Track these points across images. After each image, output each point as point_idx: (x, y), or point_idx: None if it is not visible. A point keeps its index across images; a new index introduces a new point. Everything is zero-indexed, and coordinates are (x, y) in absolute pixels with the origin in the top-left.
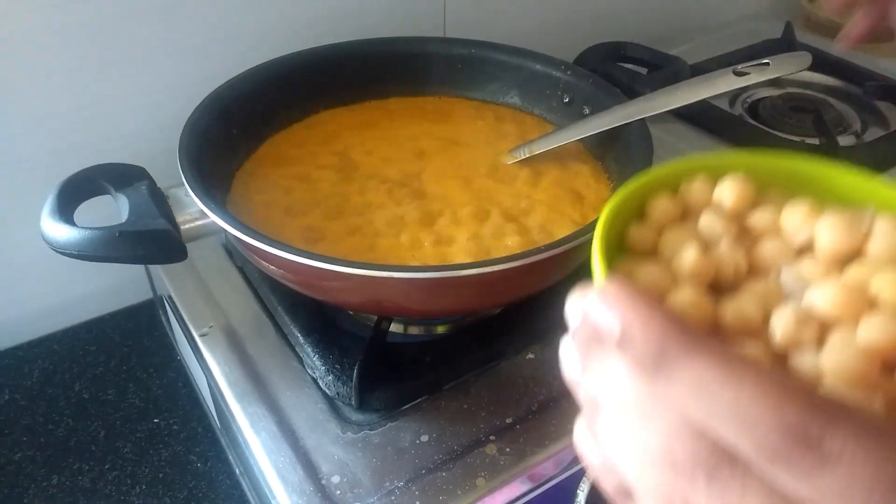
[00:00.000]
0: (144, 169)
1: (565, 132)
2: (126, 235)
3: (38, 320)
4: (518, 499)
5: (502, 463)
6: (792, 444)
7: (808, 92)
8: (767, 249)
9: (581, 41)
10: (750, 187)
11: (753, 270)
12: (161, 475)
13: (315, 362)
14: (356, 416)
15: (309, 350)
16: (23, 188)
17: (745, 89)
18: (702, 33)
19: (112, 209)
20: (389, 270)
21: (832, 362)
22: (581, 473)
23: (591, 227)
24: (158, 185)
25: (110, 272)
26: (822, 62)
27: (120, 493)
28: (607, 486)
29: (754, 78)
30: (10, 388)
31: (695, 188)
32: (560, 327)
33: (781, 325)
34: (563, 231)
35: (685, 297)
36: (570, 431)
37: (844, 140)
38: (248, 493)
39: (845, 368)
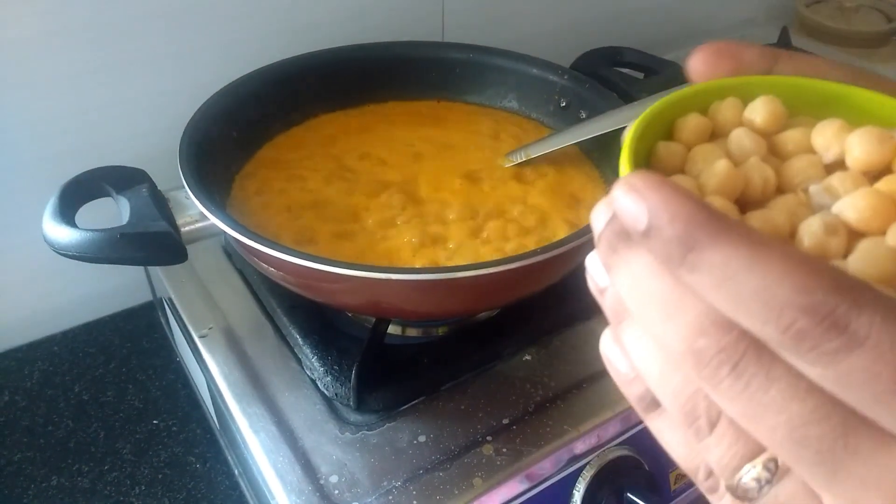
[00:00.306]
0: (145, 172)
1: (562, 136)
2: (127, 237)
3: (37, 322)
4: (514, 498)
5: (499, 463)
6: (819, 326)
7: None
8: (797, 166)
9: (578, 46)
10: (781, 107)
11: (782, 188)
12: (160, 476)
13: (314, 363)
14: (354, 417)
15: (308, 351)
16: (24, 191)
17: None
18: (698, 38)
19: (113, 211)
20: (387, 272)
21: (861, 265)
22: (577, 473)
23: (587, 229)
24: (159, 188)
25: (110, 275)
26: None
27: (119, 494)
28: (632, 397)
29: None
30: (10, 389)
31: (725, 107)
32: (558, 330)
33: (809, 233)
34: (559, 234)
35: (715, 205)
36: (566, 432)
37: None
38: (247, 494)
39: (875, 272)
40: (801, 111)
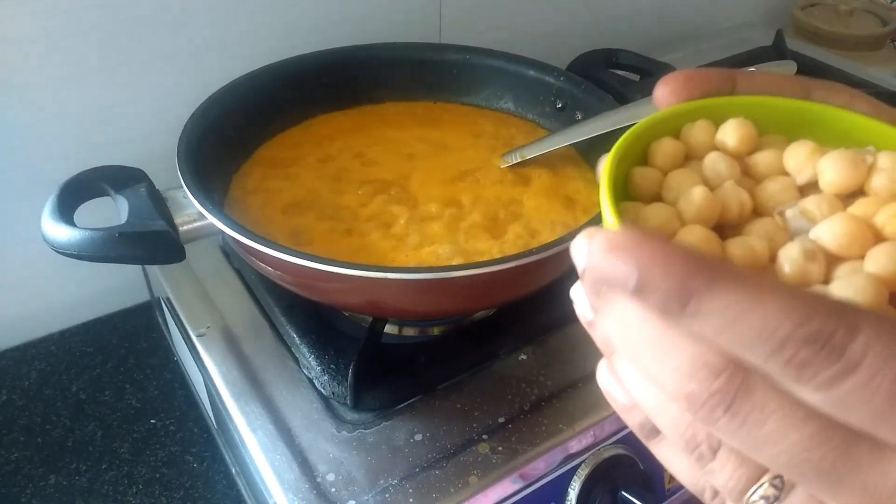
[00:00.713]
0: (143, 171)
1: (557, 137)
2: (125, 236)
3: (35, 321)
4: (510, 497)
5: (494, 461)
6: (820, 353)
7: None
8: (771, 189)
9: (574, 48)
10: (752, 129)
11: (758, 210)
12: (158, 475)
13: (311, 362)
14: (351, 416)
15: (305, 350)
16: (22, 190)
17: None
18: (694, 41)
19: (112, 211)
20: (383, 271)
21: (846, 293)
22: (572, 472)
23: (581, 229)
24: (157, 188)
25: (107, 274)
26: (812, 70)
27: (117, 493)
28: (633, 425)
29: None
30: (8, 388)
31: (697, 130)
32: (553, 330)
33: (789, 260)
34: (554, 234)
35: (695, 235)
36: (561, 431)
37: None
38: (244, 493)
39: (859, 299)
40: (769, 129)
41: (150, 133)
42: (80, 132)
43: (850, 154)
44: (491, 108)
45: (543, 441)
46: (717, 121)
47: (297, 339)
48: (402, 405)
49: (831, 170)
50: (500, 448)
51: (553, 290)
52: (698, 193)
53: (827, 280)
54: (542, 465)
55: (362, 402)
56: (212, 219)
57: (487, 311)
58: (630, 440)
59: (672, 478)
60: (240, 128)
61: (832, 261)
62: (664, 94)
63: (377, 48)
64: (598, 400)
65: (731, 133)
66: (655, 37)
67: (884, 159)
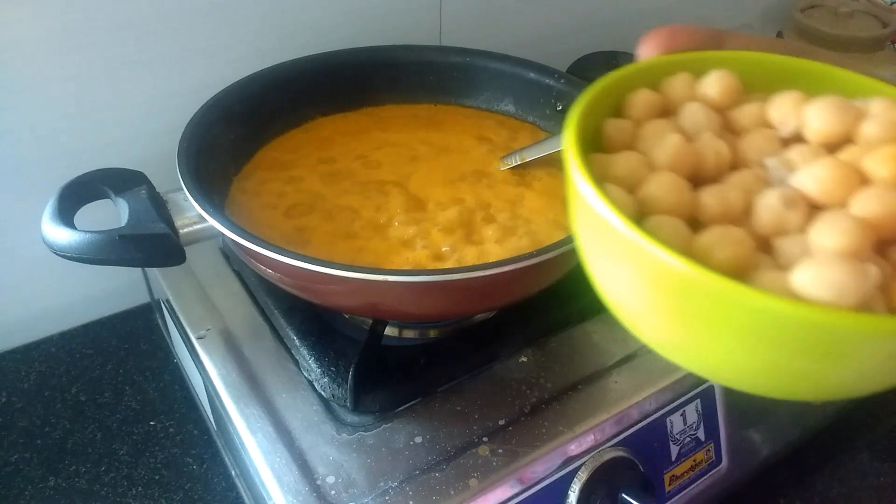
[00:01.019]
0: (144, 174)
1: (557, 139)
2: (126, 239)
3: (35, 323)
4: (510, 499)
5: (495, 464)
6: None
7: None
8: (753, 141)
9: (575, 50)
10: (736, 81)
11: (738, 164)
12: (157, 477)
13: (311, 365)
14: (351, 418)
15: (305, 353)
16: (22, 192)
17: None
18: None
19: (112, 213)
20: (384, 274)
21: (822, 237)
22: (573, 474)
23: None
24: (157, 190)
25: (107, 276)
26: None
27: (116, 496)
28: None
29: None
30: (7, 390)
31: (677, 83)
32: (554, 332)
33: (766, 207)
34: (554, 237)
35: (663, 181)
36: (561, 433)
37: None
38: (244, 495)
39: (837, 243)
40: (756, 87)
41: (150, 136)
42: (79, 135)
43: (837, 101)
44: (492, 111)
45: (544, 443)
46: (700, 74)
47: (297, 342)
48: (403, 407)
49: (817, 117)
50: (500, 450)
51: (554, 292)
52: (672, 141)
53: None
54: (542, 468)
55: (362, 405)
56: (212, 221)
57: (488, 314)
58: (631, 442)
59: (672, 480)
60: (240, 130)
61: (815, 211)
62: (647, 48)
63: (378, 51)
64: (599, 402)
65: (713, 84)
66: None
67: (876, 105)
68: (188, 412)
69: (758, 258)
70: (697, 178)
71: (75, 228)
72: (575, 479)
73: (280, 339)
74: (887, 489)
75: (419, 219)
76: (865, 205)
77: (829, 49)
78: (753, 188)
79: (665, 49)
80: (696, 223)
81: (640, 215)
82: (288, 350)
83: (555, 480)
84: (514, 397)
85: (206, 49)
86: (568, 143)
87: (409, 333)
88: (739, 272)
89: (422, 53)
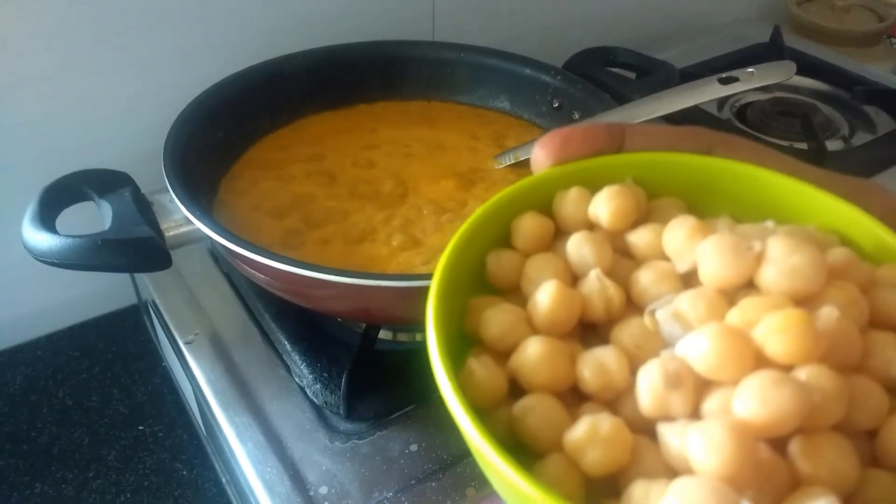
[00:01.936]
0: (128, 175)
1: None
2: (109, 244)
3: (20, 326)
4: None
5: None
6: None
7: (797, 96)
8: (645, 279)
9: (571, 46)
10: (630, 199)
11: (634, 300)
12: (146, 483)
13: (302, 370)
14: (344, 426)
15: (296, 358)
16: (5, 193)
17: (732, 94)
18: (691, 37)
19: (95, 216)
20: (376, 279)
21: (696, 450)
22: None
23: None
24: (143, 191)
25: (94, 277)
26: (810, 66)
27: (104, 502)
28: None
29: (739, 87)
30: None
31: (567, 201)
32: None
33: (648, 386)
34: None
35: (535, 350)
36: None
37: (832, 145)
38: (235, 502)
39: (712, 464)
40: (666, 191)
41: (135, 134)
42: (62, 134)
43: (732, 240)
44: (486, 108)
45: None
46: (600, 185)
47: (288, 346)
48: (397, 414)
49: (710, 259)
50: None
51: None
52: (547, 292)
53: (695, 412)
54: None
55: (356, 412)
56: (199, 224)
57: None
58: None
59: None
60: (228, 129)
61: (704, 385)
62: (539, 157)
63: (369, 46)
64: None
65: (603, 205)
66: (651, 33)
67: (774, 247)
68: (177, 416)
69: (637, 455)
70: (588, 323)
71: (57, 233)
72: None
73: (271, 343)
74: None
75: (412, 219)
76: (748, 402)
77: (826, 43)
78: (645, 346)
79: (557, 159)
80: (577, 389)
81: (516, 387)
82: (279, 355)
83: None
84: None
85: (193, 45)
86: (430, 327)
87: (403, 337)
88: (615, 472)
89: (414, 49)
